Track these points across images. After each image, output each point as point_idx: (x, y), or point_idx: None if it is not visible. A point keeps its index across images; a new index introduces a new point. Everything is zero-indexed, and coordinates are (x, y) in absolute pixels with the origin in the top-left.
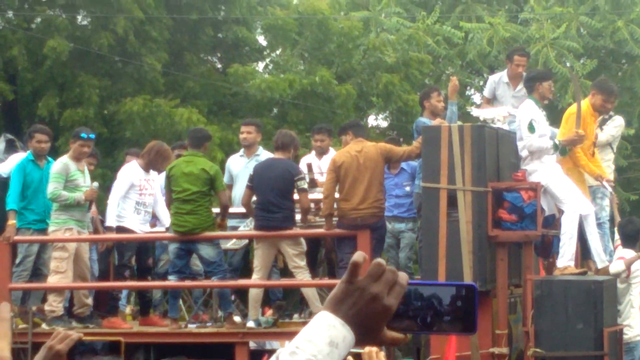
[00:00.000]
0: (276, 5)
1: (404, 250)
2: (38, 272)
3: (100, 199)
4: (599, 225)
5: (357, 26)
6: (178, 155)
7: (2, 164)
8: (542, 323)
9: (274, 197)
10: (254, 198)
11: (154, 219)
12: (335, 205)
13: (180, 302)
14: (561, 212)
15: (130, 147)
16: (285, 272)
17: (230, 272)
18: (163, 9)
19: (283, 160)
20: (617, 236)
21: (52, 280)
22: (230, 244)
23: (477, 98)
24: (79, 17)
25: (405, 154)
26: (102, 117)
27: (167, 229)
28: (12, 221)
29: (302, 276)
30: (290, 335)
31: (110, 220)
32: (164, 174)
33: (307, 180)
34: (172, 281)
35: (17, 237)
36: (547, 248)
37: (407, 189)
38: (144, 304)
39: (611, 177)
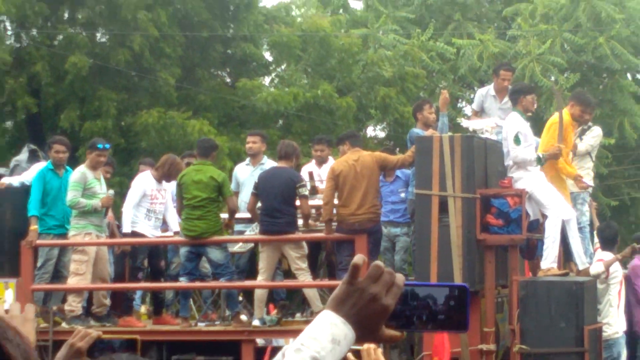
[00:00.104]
0: (281, 24)
1: (399, 253)
2: (58, 274)
3: (116, 205)
4: (580, 229)
5: (357, 43)
6: (188, 164)
7: (26, 173)
8: (527, 321)
9: (277, 203)
10: (259, 204)
11: (164, 225)
12: (334, 211)
13: (191, 302)
14: (545, 217)
15: (145, 157)
16: (289, 273)
17: (237, 274)
18: (176, 27)
19: (286, 169)
20: (596, 239)
21: (72, 282)
22: (237, 248)
23: (468, 110)
24: (98, 35)
25: (399, 162)
26: (119, 129)
27: (175, 234)
28: (34, 226)
29: (304, 277)
30: (293, 333)
31: (127, 227)
32: (174, 182)
33: (309, 187)
34: (183, 282)
35: (38, 242)
36: (532, 251)
37: (402, 195)
38: (157, 304)
39: (591, 183)
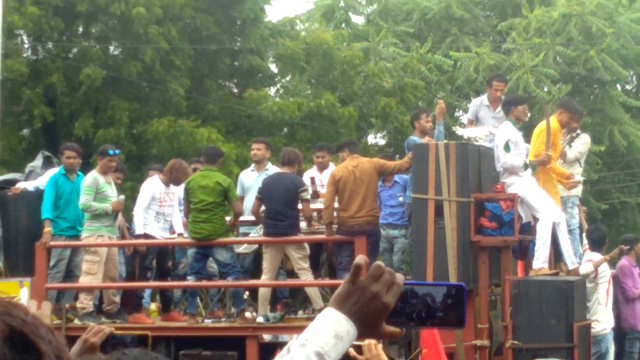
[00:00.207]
0: (286, 37)
1: (397, 254)
2: (71, 273)
3: (127, 208)
4: (570, 231)
5: (358, 55)
6: (195, 169)
7: (40, 178)
8: (519, 318)
9: (280, 207)
10: (263, 208)
11: (171, 227)
12: (335, 214)
13: (198, 299)
14: (536, 219)
15: (155, 164)
16: (292, 273)
17: (242, 273)
18: (186, 41)
19: (289, 174)
20: (585, 241)
21: (84, 281)
22: (242, 249)
23: (465, 119)
24: (111, 48)
25: (396, 168)
26: (131, 136)
27: (179, 235)
28: (47, 228)
29: (306, 277)
30: (296, 329)
31: (140, 229)
32: (182, 187)
33: (310, 192)
34: (190, 281)
35: (52, 243)
36: (524, 252)
37: (400, 199)
38: (166, 301)
39: (580, 188)
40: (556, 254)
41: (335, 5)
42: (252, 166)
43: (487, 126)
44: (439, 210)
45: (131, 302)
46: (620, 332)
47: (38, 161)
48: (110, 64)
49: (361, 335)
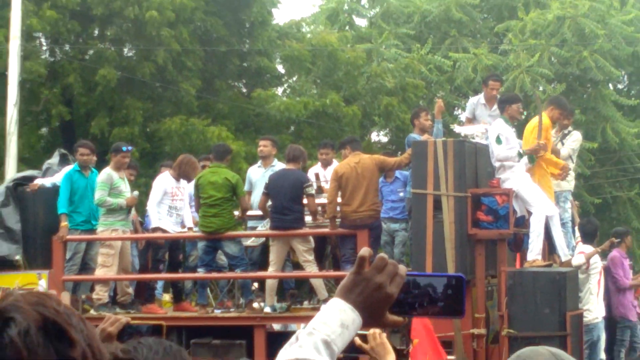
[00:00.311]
0: (293, 39)
1: (398, 247)
2: (87, 266)
3: (141, 203)
4: (563, 224)
5: (362, 56)
6: (204, 166)
7: (57, 175)
8: (515, 308)
9: (286, 201)
10: (270, 202)
11: (183, 221)
12: (338, 209)
13: (208, 291)
14: (530, 213)
15: (166, 160)
16: (297, 265)
17: (250, 266)
18: (197, 43)
19: (294, 171)
20: (577, 233)
21: (100, 273)
22: (250, 242)
23: (464, 117)
24: (126, 50)
25: (396, 164)
26: (145, 135)
27: (189, 229)
28: (64, 223)
29: (311, 269)
30: (301, 319)
31: (155, 223)
32: (192, 183)
33: (315, 187)
34: (200, 273)
35: (69, 237)
36: (519, 244)
37: (401, 194)
38: (177, 293)
39: (572, 183)
40: (550, 246)
41: (339, 9)
42: (259, 162)
43: (484, 124)
44: (437, 204)
45: (144, 293)
46: (612, 321)
47: (55, 158)
48: (124, 65)
49: (366, 324)
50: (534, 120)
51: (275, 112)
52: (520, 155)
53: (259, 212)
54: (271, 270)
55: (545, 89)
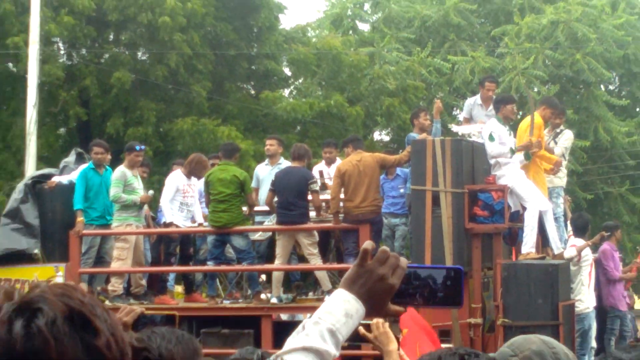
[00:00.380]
0: (299, 43)
1: (398, 240)
2: (101, 259)
3: (155, 200)
4: (555, 219)
5: (364, 59)
6: (213, 164)
7: (73, 172)
8: (509, 298)
9: (292, 197)
10: (276, 198)
11: (194, 217)
12: (341, 204)
13: (217, 282)
14: (524, 208)
15: (179, 159)
16: (302, 258)
17: (257, 259)
18: (207, 47)
19: (299, 168)
20: (569, 227)
21: (115, 266)
22: (257, 236)
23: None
24: (139, 54)
25: (396, 161)
26: (158, 134)
27: (199, 225)
28: (80, 218)
29: (315, 261)
30: (307, 309)
31: (169, 218)
32: (202, 180)
33: (319, 184)
34: (210, 266)
35: (84, 231)
36: (514, 238)
37: (401, 190)
38: (188, 284)
39: (565, 180)
40: (543, 240)
41: (343, 14)
42: (267, 160)
43: (480, 124)
44: (435, 200)
45: (157, 285)
46: (602, 311)
47: (71, 157)
48: (138, 68)
49: (369, 314)
50: (526, 121)
51: (282, 113)
52: (512, 152)
53: (266, 208)
54: (277, 263)
55: (539, 90)
